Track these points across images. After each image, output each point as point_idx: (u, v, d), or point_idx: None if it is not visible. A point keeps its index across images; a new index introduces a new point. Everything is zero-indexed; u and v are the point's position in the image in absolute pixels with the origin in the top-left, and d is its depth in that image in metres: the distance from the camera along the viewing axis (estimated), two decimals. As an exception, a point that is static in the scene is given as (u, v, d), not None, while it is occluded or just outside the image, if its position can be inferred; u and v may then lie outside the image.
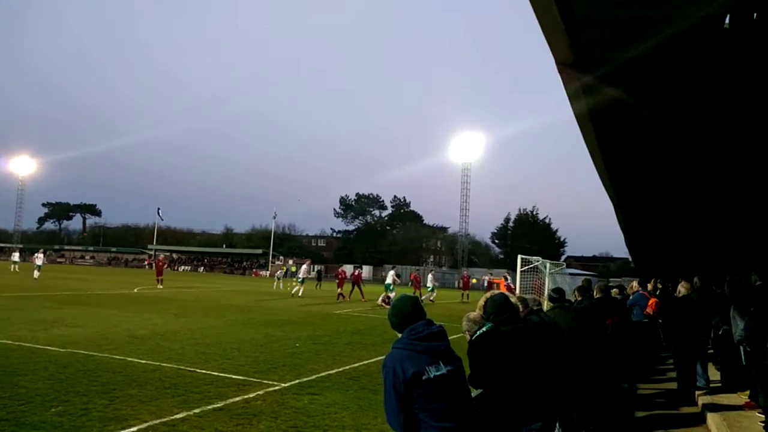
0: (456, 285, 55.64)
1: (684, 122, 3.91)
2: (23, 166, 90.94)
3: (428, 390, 2.71)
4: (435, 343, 2.85)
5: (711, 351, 10.70)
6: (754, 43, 2.45)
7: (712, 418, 7.07)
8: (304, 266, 30.65)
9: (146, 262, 77.36)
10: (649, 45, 2.54)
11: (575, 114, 3.62)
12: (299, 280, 28.90)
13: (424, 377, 2.71)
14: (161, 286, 28.50)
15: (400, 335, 2.95)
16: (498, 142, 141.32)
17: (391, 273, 27.97)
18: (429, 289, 29.64)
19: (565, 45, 2.53)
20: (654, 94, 3.37)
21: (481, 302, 4.24)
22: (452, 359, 2.88)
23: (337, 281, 27.32)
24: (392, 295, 26.03)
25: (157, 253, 75.82)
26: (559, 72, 2.83)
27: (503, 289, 23.21)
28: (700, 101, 3.47)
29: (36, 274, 30.86)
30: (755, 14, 2.23)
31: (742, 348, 7.35)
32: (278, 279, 35.68)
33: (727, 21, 2.34)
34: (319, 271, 45.73)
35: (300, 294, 27.63)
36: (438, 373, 2.75)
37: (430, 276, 31.76)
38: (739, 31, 2.36)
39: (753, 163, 5.29)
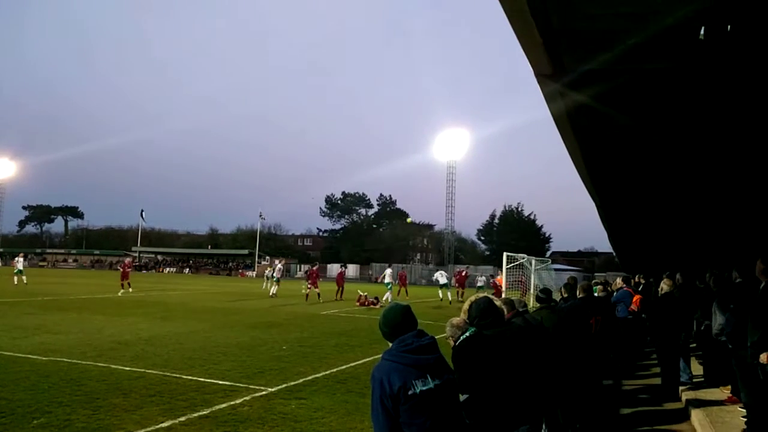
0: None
1: (663, 127, 3.96)
2: (2, 168, 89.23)
3: (414, 405, 2.66)
4: (424, 356, 2.79)
5: (693, 345, 10.86)
6: (728, 54, 2.49)
7: (695, 413, 7.18)
8: (279, 266, 30.66)
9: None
10: (625, 55, 2.57)
11: (555, 120, 3.65)
12: (275, 279, 28.86)
13: (410, 392, 2.66)
14: (130, 290, 26.67)
15: (390, 345, 2.90)
16: (483, 139, 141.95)
17: (389, 271, 27.77)
18: (442, 285, 28.70)
19: (543, 57, 2.54)
20: (631, 100, 3.40)
21: (466, 306, 4.24)
22: (441, 373, 2.82)
23: (309, 280, 26.17)
24: (389, 295, 25.96)
25: (133, 256, 75.12)
26: (538, 82, 2.85)
27: (501, 284, 23.09)
28: (678, 107, 3.52)
29: (16, 280, 30.15)
30: (729, 26, 2.27)
31: (720, 343, 7.46)
32: (267, 279, 35.57)
33: (702, 32, 2.38)
34: (307, 272, 45.52)
35: (275, 293, 27.53)
36: (425, 388, 2.70)
37: (439, 273, 30.35)
38: (714, 42, 2.39)
39: (733, 163, 5.37)
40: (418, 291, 40.00)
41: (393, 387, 2.66)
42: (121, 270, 27.72)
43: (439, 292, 28.50)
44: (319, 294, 25.19)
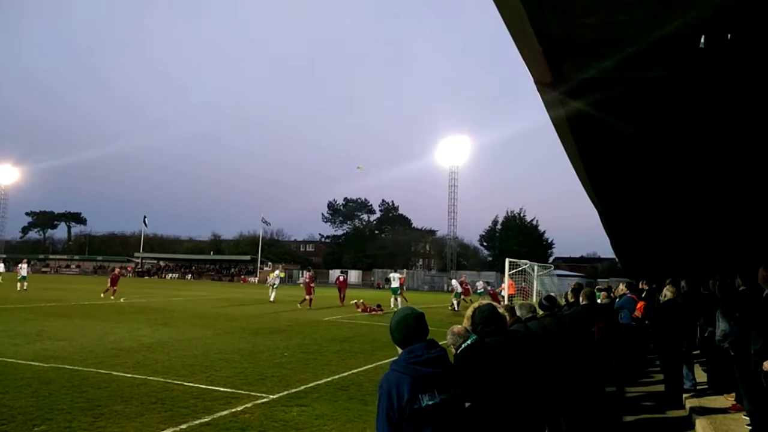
0: (446, 288, 55.79)
1: (664, 135, 3.96)
2: (5, 175, 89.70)
3: (419, 418, 2.64)
4: (432, 369, 2.75)
5: (697, 352, 10.80)
6: (728, 62, 2.49)
7: (699, 421, 7.12)
8: (277, 271, 30.62)
9: (128, 269, 77.13)
10: (625, 63, 2.56)
11: (555, 128, 3.64)
12: (274, 285, 28.84)
13: (416, 406, 2.64)
14: (103, 295, 26.19)
15: (399, 350, 2.86)
16: (485, 145, 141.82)
17: (396, 276, 27.24)
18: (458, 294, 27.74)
19: (542, 66, 2.54)
20: (632, 108, 3.40)
21: (469, 312, 4.23)
22: (449, 387, 2.78)
23: (306, 287, 25.68)
24: (398, 299, 25.66)
25: (135, 262, 75.27)
26: (538, 90, 2.85)
27: (511, 290, 22.96)
28: (679, 115, 3.51)
29: (18, 286, 30.24)
30: (729, 35, 2.26)
31: (723, 349, 7.42)
32: (271, 286, 35.64)
33: (702, 41, 2.37)
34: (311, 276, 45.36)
35: (274, 299, 27.54)
36: (431, 402, 2.67)
37: (454, 282, 29.23)
38: (714, 50, 2.39)
39: (735, 170, 5.36)
40: (421, 297, 39.95)
41: (401, 399, 2.63)
42: (111, 279, 27.29)
43: (454, 301, 27.78)
44: (305, 300, 24.58)
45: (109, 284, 26.81)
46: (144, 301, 25.73)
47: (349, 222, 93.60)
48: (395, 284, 26.60)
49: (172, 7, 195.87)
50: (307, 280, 25.72)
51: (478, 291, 33.25)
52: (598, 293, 10.14)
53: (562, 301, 9.34)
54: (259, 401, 7.43)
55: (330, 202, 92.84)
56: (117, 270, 28.78)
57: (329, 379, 9.11)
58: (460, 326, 3.94)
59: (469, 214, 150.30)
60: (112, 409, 6.75)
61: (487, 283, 32.60)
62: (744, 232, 9.02)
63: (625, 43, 2.42)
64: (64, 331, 13.83)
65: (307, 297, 24.74)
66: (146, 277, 73.33)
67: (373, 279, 67.78)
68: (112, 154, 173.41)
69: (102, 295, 26.04)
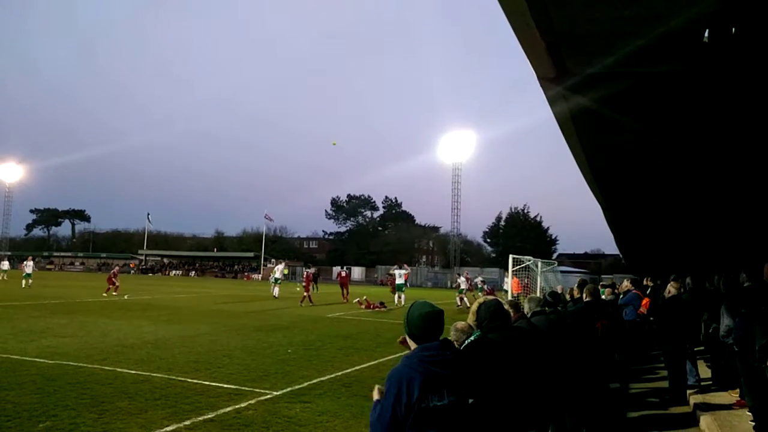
0: (449, 285, 55.85)
1: (668, 129, 3.93)
2: (9, 172, 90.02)
3: (425, 419, 2.62)
4: (445, 370, 2.72)
5: (701, 348, 10.76)
6: (733, 56, 2.46)
7: (703, 418, 7.11)
8: (280, 266, 30.54)
9: (131, 266, 77.43)
10: (628, 58, 2.54)
11: (558, 123, 3.63)
12: (278, 281, 28.85)
13: (423, 405, 2.61)
14: (104, 294, 26.03)
15: (412, 344, 2.82)
16: (488, 140, 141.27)
17: (401, 272, 26.78)
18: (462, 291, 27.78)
19: (545, 61, 2.52)
20: (635, 103, 3.38)
21: (474, 307, 4.22)
22: (458, 389, 2.76)
23: (304, 284, 25.47)
24: (401, 295, 25.60)
25: (139, 259, 75.56)
26: (541, 86, 2.83)
27: (517, 289, 22.80)
28: (683, 110, 3.49)
29: (23, 283, 30.38)
30: (733, 29, 2.24)
31: (727, 345, 7.40)
32: (273, 283, 35.73)
33: (706, 35, 2.35)
34: (314, 274, 45.54)
35: (276, 295, 27.64)
36: (439, 403, 2.65)
37: (461, 278, 29.36)
38: (719, 44, 2.37)
39: (739, 165, 5.33)
40: (425, 293, 39.94)
41: (411, 397, 2.61)
42: (112, 275, 27.43)
43: (458, 298, 27.65)
44: (306, 298, 24.42)
45: (115, 283, 26.89)
46: (147, 298, 25.79)
47: (352, 219, 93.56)
48: (399, 280, 26.51)
49: (177, 5, 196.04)
50: (303, 281, 25.69)
51: (478, 287, 33.15)
52: (602, 289, 10.12)
53: (567, 297, 9.34)
54: (262, 398, 7.44)
55: (333, 199, 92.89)
56: (116, 269, 28.92)
57: (332, 375, 9.13)
58: (463, 322, 3.94)
59: (473, 211, 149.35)
60: (117, 405, 6.78)
61: (483, 282, 32.32)
62: (749, 228, 8.97)
63: (629, 38, 2.40)
64: (68, 327, 13.88)
65: (305, 294, 24.72)
66: (150, 275, 73.53)
67: (376, 276, 67.81)
68: (115, 152, 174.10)
69: (104, 294, 26.10)
